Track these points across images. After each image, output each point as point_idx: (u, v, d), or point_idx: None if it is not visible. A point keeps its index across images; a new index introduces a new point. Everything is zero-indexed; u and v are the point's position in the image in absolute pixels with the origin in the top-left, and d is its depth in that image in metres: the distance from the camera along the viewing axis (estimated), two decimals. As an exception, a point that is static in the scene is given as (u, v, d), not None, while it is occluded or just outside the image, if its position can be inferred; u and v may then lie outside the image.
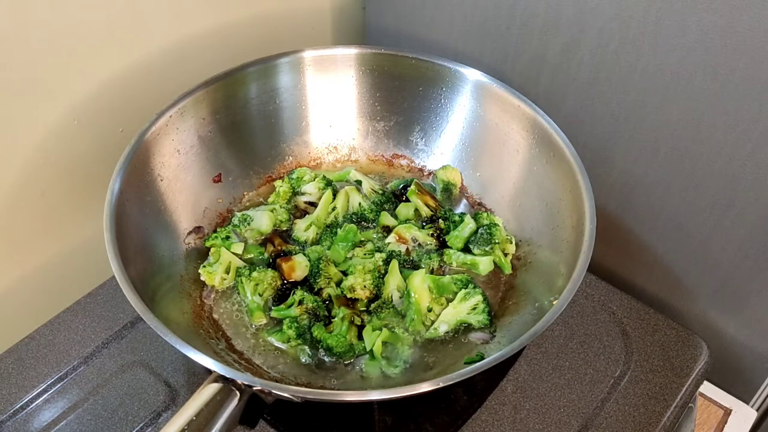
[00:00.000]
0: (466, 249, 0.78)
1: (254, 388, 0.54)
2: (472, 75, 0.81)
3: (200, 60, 0.85)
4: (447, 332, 0.71)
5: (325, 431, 0.68)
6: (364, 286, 0.72)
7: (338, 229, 0.78)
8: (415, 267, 0.77)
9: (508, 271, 0.77)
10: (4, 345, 0.75)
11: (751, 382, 0.84)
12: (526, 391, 0.73)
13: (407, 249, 0.78)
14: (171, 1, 0.79)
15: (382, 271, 0.74)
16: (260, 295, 0.72)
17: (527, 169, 0.79)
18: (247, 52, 0.82)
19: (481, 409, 0.71)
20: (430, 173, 0.88)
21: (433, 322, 0.71)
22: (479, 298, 0.71)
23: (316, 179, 0.83)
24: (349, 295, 0.72)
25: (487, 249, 0.76)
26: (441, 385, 0.54)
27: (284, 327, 0.69)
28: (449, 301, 0.72)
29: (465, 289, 0.72)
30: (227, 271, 0.74)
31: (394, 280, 0.73)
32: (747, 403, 0.81)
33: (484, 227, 0.78)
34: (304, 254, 0.76)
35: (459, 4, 0.85)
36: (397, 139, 0.89)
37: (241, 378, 0.54)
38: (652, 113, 0.75)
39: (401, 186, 0.85)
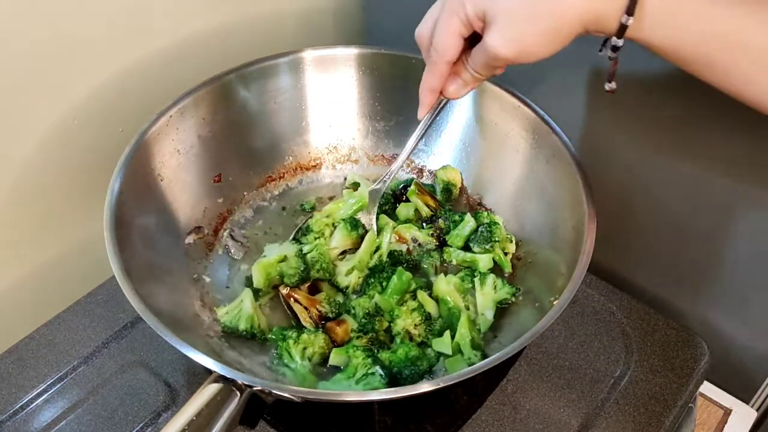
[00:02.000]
0: (466, 248, 0.78)
1: (254, 388, 0.54)
2: (472, 75, 0.81)
3: (200, 60, 0.85)
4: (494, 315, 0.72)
5: (325, 431, 0.68)
6: (415, 325, 0.71)
7: (386, 274, 0.73)
8: (416, 266, 0.77)
9: (508, 269, 0.77)
10: (4, 345, 0.75)
11: (751, 382, 0.84)
12: (526, 391, 0.73)
13: (408, 249, 0.78)
14: (171, 1, 0.79)
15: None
16: (309, 360, 0.68)
17: (527, 169, 0.79)
18: (248, 51, 0.82)
19: (482, 409, 0.71)
20: (430, 173, 0.88)
21: (476, 315, 0.72)
22: (492, 276, 0.72)
23: (333, 226, 0.78)
24: (404, 339, 0.70)
25: (487, 247, 0.77)
26: (441, 385, 0.54)
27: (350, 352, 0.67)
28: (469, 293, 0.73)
29: (475, 277, 0.73)
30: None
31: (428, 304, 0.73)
32: (747, 403, 0.81)
33: (484, 225, 0.78)
34: (349, 313, 0.73)
35: (459, 4, 0.85)
36: (397, 139, 0.89)
37: (242, 378, 0.53)
38: (653, 113, 0.75)
39: (401, 186, 0.85)
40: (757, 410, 0.82)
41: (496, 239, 0.77)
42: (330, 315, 0.71)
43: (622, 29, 0.54)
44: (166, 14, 0.80)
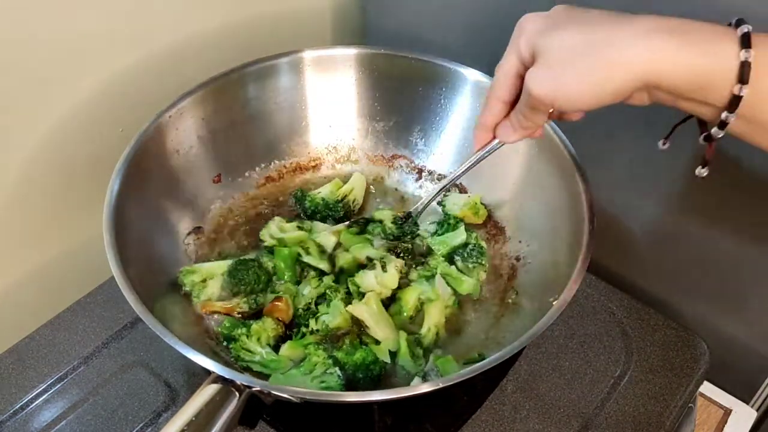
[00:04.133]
0: (449, 258, 0.78)
1: (254, 389, 0.54)
2: (472, 75, 0.81)
3: (200, 60, 0.85)
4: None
5: (325, 431, 0.68)
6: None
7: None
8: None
9: (475, 295, 0.76)
10: (4, 345, 0.75)
11: (751, 382, 0.84)
12: (526, 391, 0.73)
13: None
14: (171, 1, 0.79)
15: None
16: (269, 345, 0.69)
17: (527, 169, 0.79)
18: (247, 52, 0.82)
19: (481, 409, 0.71)
20: (430, 173, 0.88)
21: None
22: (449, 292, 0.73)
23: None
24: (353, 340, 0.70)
25: (470, 266, 0.76)
26: (441, 385, 0.54)
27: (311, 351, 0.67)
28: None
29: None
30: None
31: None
32: (747, 403, 0.81)
33: (474, 245, 0.77)
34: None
35: (459, 5, 0.85)
36: (396, 139, 0.89)
37: (241, 378, 0.54)
38: (652, 112, 0.75)
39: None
40: (757, 410, 0.82)
41: (483, 262, 0.76)
42: (251, 310, 0.72)
43: (734, 101, 0.45)
44: (165, 14, 0.80)
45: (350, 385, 0.65)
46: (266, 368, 0.66)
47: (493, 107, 0.59)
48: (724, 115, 0.47)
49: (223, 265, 0.73)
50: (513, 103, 0.58)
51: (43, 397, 0.70)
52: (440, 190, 0.76)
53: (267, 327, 0.69)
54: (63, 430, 0.68)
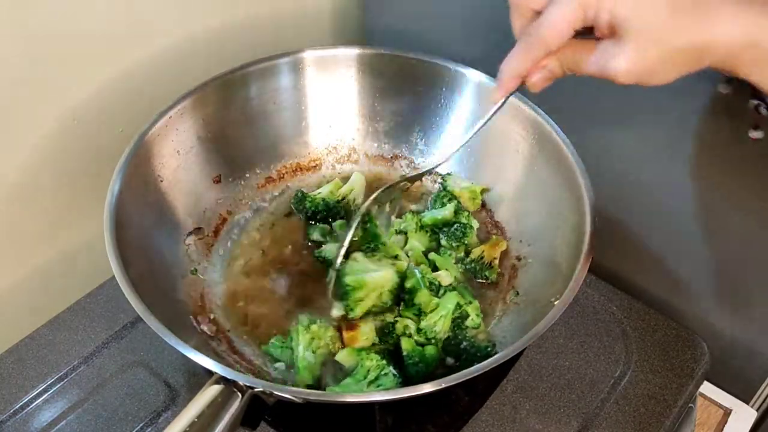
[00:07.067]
0: (434, 233, 0.79)
1: (256, 390, 0.54)
2: (472, 75, 0.81)
3: (200, 60, 0.85)
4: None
5: (326, 432, 0.68)
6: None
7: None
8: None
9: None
10: (4, 345, 0.75)
11: (751, 382, 0.84)
12: (526, 391, 0.73)
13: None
14: (171, 1, 0.79)
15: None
16: (313, 353, 0.65)
17: (527, 169, 0.79)
18: (247, 52, 0.82)
19: (482, 410, 0.71)
20: (430, 173, 0.88)
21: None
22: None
23: None
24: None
25: (454, 245, 0.77)
26: (443, 386, 0.54)
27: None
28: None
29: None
30: None
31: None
32: (747, 403, 0.81)
33: (461, 224, 0.78)
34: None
35: (459, 5, 0.85)
36: (397, 140, 0.89)
37: (243, 379, 0.53)
38: (653, 113, 0.75)
39: None
40: (757, 410, 0.83)
41: (466, 242, 0.77)
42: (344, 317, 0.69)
43: None
44: (165, 14, 0.80)
45: (408, 380, 0.64)
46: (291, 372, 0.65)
47: (537, 55, 0.53)
48: None
49: (392, 276, 0.68)
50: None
51: (43, 397, 0.70)
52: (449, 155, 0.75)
53: (326, 334, 0.66)
54: (63, 430, 0.68)
